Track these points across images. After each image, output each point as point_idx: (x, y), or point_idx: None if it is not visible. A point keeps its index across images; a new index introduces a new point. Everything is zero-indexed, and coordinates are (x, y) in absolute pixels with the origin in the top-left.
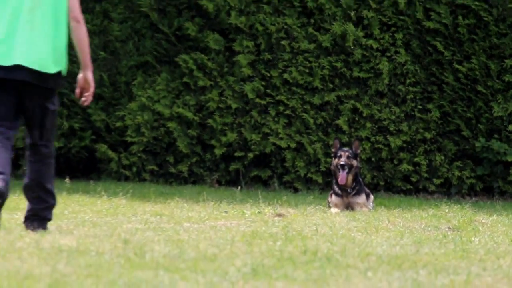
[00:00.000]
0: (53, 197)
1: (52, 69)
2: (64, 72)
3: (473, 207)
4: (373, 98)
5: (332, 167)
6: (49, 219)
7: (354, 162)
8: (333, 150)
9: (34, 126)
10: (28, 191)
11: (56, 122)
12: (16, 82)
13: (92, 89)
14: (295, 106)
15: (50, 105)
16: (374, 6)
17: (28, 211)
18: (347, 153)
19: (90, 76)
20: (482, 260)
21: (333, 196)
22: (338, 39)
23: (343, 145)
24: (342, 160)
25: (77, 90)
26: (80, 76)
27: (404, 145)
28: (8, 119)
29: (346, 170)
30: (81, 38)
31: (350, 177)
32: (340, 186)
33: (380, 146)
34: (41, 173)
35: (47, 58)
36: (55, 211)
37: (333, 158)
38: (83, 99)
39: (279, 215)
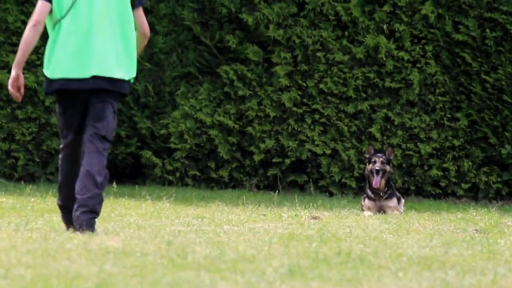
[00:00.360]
0: (98, 188)
1: (126, 76)
2: (132, 80)
3: (499, 210)
4: (404, 107)
5: (366, 172)
6: (97, 213)
7: (387, 168)
8: (366, 155)
9: (97, 119)
10: (79, 183)
11: (115, 125)
12: (88, 92)
13: None
14: (330, 115)
15: (113, 105)
16: (405, 19)
17: (76, 203)
18: (381, 159)
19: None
20: (508, 261)
21: (366, 199)
22: (371, 51)
23: (376, 151)
24: (377, 165)
25: None
26: None
27: (434, 151)
28: (81, 130)
29: (380, 174)
30: (141, 47)
31: (383, 182)
32: (373, 190)
33: (411, 152)
34: (93, 164)
35: (120, 65)
36: (103, 214)
37: (367, 164)
38: None
39: (315, 218)
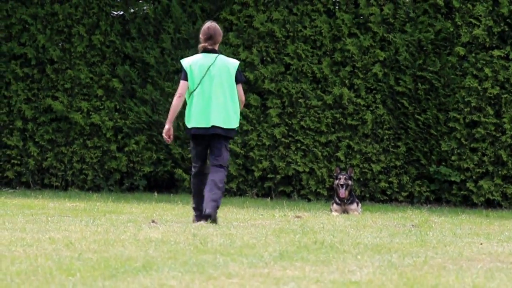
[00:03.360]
0: (219, 189)
1: (233, 126)
2: (237, 128)
3: (428, 211)
4: (361, 138)
5: (334, 186)
6: (218, 203)
7: (349, 182)
8: (334, 174)
9: (216, 156)
10: (207, 187)
11: (228, 157)
12: (209, 136)
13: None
14: (308, 143)
15: (223, 149)
16: (361, 76)
17: (205, 196)
18: (344, 176)
19: None
20: (435, 247)
21: (334, 204)
22: (337, 98)
23: (342, 170)
24: (341, 181)
25: None
26: None
27: (382, 169)
28: (206, 163)
29: (344, 187)
30: (240, 110)
31: (347, 192)
32: (340, 198)
33: (366, 170)
34: (216, 177)
35: (228, 119)
36: (147, 214)
37: (335, 179)
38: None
39: (298, 217)
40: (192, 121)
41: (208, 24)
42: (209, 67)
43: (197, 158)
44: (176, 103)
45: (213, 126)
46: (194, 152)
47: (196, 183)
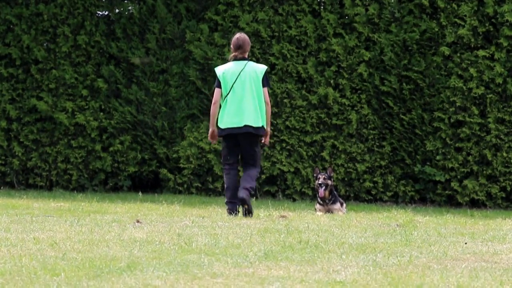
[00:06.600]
0: (253, 181)
1: (260, 124)
2: (265, 126)
3: (413, 211)
4: (346, 138)
5: (315, 186)
6: (250, 192)
7: (329, 182)
8: (314, 174)
9: (247, 158)
10: (242, 179)
11: (260, 155)
12: (241, 134)
13: (268, 136)
14: (294, 143)
15: (256, 147)
16: (346, 76)
17: (240, 186)
18: (324, 176)
19: (268, 129)
20: (419, 247)
21: (318, 204)
22: (322, 98)
23: (321, 170)
24: (320, 181)
25: (265, 139)
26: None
27: (367, 169)
28: (237, 160)
29: (324, 187)
30: (268, 112)
31: (327, 192)
32: (321, 198)
33: (351, 170)
34: (251, 172)
35: (258, 119)
36: (132, 214)
37: (315, 180)
38: (265, 141)
39: (283, 216)
40: (226, 122)
41: (238, 35)
42: (240, 73)
43: (230, 156)
44: (213, 110)
45: (245, 125)
46: (227, 150)
47: (229, 178)
